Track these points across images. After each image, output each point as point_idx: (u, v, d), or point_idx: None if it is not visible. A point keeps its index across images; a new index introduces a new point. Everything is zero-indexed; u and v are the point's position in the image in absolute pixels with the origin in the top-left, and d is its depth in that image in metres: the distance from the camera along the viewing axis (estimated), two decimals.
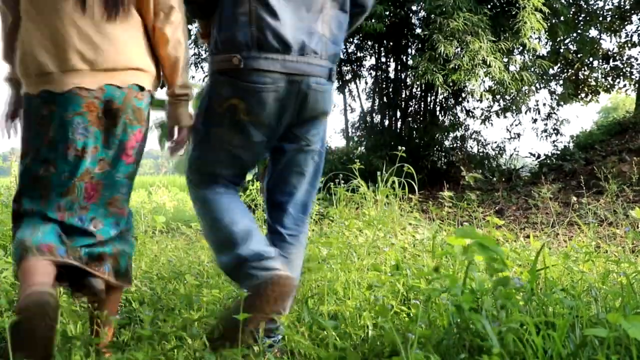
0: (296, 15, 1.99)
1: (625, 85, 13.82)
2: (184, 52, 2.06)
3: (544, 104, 11.22)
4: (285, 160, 2.17)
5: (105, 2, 1.87)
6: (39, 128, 1.91)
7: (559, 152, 9.89)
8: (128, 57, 1.93)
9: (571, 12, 10.96)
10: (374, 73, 11.43)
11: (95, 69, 1.87)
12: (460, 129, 11.07)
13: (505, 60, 8.13)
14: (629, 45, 13.26)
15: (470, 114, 11.11)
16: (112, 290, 2.05)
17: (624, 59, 13.54)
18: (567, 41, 12.07)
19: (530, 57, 9.04)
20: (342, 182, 5.43)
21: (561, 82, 12.41)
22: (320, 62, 2.04)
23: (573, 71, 13.24)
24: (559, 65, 12.56)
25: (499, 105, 10.62)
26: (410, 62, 10.18)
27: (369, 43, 11.19)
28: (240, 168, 2.20)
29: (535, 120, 11.08)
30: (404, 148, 4.98)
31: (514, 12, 7.86)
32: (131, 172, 2.06)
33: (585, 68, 13.49)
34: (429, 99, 10.86)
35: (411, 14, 10.12)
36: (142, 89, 1.97)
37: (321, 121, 2.18)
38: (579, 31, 11.82)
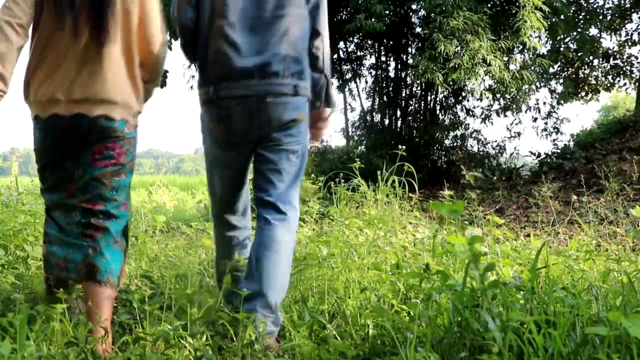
0: (260, 43, 2.35)
1: (625, 84, 13.83)
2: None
3: (544, 103, 11.22)
4: (264, 161, 2.46)
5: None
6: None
7: (559, 151, 9.89)
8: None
9: (571, 11, 10.96)
10: (374, 72, 11.43)
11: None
12: (460, 127, 11.06)
13: (506, 59, 8.12)
14: (629, 43, 13.26)
15: (471, 112, 11.10)
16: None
17: (624, 57, 13.55)
18: (567, 40, 12.07)
19: (531, 55, 9.03)
20: (343, 181, 5.43)
21: (561, 80, 12.41)
22: (282, 81, 2.35)
23: (573, 70, 13.25)
24: (559, 64, 12.56)
25: (499, 104, 10.61)
26: (410, 61, 10.17)
27: (369, 42, 11.19)
28: (229, 185, 2.62)
29: (535, 119, 11.08)
30: (404, 147, 4.97)
31: (514, 11, 7.85)
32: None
33: (586, 67, 13.50)
34: (429, 98, 10.85)
35: (411, 13, 10.12)
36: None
37: (293, 128, 2.44)
38: (579, 30, 11.82)
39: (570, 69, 13.17)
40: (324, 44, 2.54)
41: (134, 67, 2.33)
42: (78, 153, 2.30)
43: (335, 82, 11.77)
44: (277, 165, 2.44)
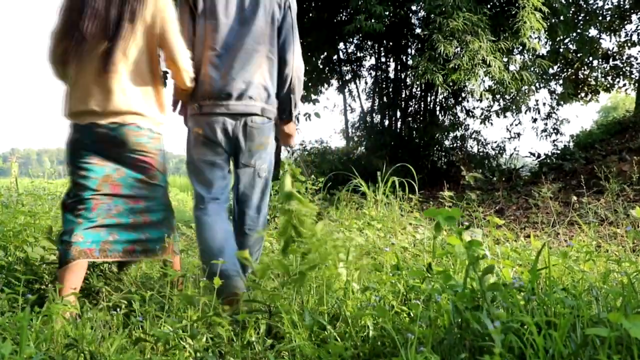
0: (240, 71, 2.92)
1: (625, 85, 13.84)
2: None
3: (544, 104, 11.25)
4: (241, 181, 3.07)
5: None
6: None
7: (559, 152, 9.89)
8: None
9: (571, 12, 10.96)
10: (373, 73, 11.45)
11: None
12: (460, 128, 11.08)
13: (505, 59, 8.13)
14: (629, 44, 13.27)
15: (470, 113, 11.12)
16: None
17: (624, 58, 13.56)
18: (566, 41, 12.08)
19: (530, 56, 9.04)
20: (342, 182, 5.43)
21: (561, 81, 12.42)
22: (255, 104, 2.95)
23: (573, 71, 13.25)
24: (558, 64, 12.57)
25: (499, 104, 10.63)
26: (410, 62, 10.19)
27: (369, 43, 11.20)
28: (209, 177, 3.04)
29: (535, 120, 11.09)
30: (384, 140, 5.00)
31: (513, 12, 7.86)
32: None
33: (585, 67, 13.50)
34: (428, 99, 10.86)
35: (411, 14, 10.13)
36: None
37: (261, 151, 3.05)
38: (578, 31, 11.83)
39: (569, 69, 13.18)
40: (294, 72, 3.10)
41: (155, 86, 2.92)
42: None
43: (335, 83, 11.80)
44: (249, 178, 3.09)
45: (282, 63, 3.09)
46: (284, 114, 3.16)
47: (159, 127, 2.94)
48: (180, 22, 2.96)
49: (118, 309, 2.59)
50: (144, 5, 2.72)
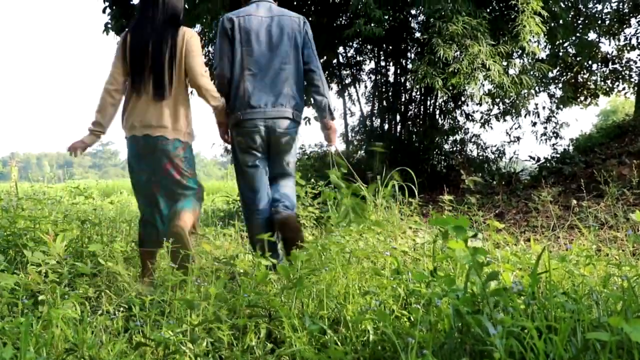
0: (270, 85, 3.75)
1: (624, 89, 13.85)
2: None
3: (544, 108, 11.22)
4: (274, 170, 3.95)
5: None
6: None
7: (558, 156, 9.89)
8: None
9: (570, 16, 10.97)
10: (373, 77, 11.45)
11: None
12: (459, 132, 11.08)
13: (505, 63, 8.13)
14: (628, 48, 13.28)
15: (470, 117, 11.12)
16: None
17: (623, 62, 13.56)
18: (566, 44, 12.08)
19: (530, 60, 9.03)
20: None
21: (560, 85, 12.42)
22: (285, 109, 3.77)
23: (572, 74, 13.26)
24: (558, 68, 12.58)
25: (499, 108, 10.62)
26: (409, 65, 10.18)
27: (369, 47, 11.21)
28: (253, 184, 3.87)
29: (534, 124, 11.07)
30: (381, 143, 5.05)
31: (513, 16, 7.86)
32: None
33: (585, 71, 13.51)
34: (428, 103, 10.86)
35: (410, 18, 10.13)
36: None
37: (290, 142, 3.86)
38: (578, 34, 11.84)
39: (569, 73, 13.19)
40: (320, 76, 3.93)
41: (185, 104, 3.57)
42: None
43: (334, 87, 11.80)
44: (280, 164, 3.93)
45: (311, 73, 3.92)
46: (325, 114, 3.95)
47: (186, 137, 3.59)
48: (220, 49, 3.84)
49: (117, 313, 2.59)
50: (180, 42, 3.49)
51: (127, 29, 3.60)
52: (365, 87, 11.87)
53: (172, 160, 3.49)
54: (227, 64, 3.80)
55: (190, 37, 3.51)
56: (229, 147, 4.20)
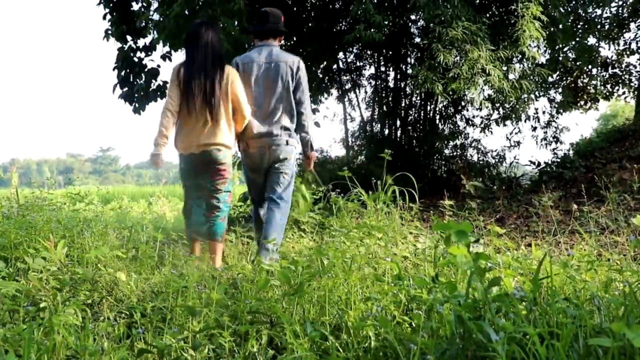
0: (268, 119, 4.70)
1: (624, 93, 13.85)
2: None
3: (544, 112, 11.23)
4: (274, 179, 4.79)
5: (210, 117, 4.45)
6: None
7: (559, 160, 9.89)
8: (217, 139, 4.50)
9: (570, 21, 10.98)
10: (373, 82, 11.46)
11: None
12: (460, 137, 11.07)
13: (505, 68, 8.13)
14: (628, 52, 13.29)
15: (470, 122, 11.12)
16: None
17: (623, 66, 13.57)
18: (566, 49, 12.10)
19: (530, 65, 9.03)
20: (343, 191, 5.44)
21: (560, 90, 12.43)
22: (281, 138, 4.69)
23: (572, 79, 13.27)
24: (558, 73, 12.58)
25: (499, 113, 10.62)
26: (409, 71, 10.20)
27: (368, 52, 11.22)
28: (255, 194, 5.01)
29: (535, 128, 11.08)
30: (390, 151, 5.11)
31: (512, 21, 7.87)
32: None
33: (584, 76, 13.52)
34: (428, 108, 10.87)
35: (410, 23, 10.14)
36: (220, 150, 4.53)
37: (285, 161, 4.76)
38: (577, 39, 11.85)
39: (569, 78, 13.20)
40: (307, 116, 4.80)
41: (230, 127, 4.56)
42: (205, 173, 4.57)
43: (334, 93, 11.83)
44: (275, 180, 4.77)
45: (300, 115, 4.78)
46: (307, 148, 4.88)
47: (231, 152, 4.63)
48: (240, 82, 4.60)
49: (119, 319, 2.59)
50: (225, 79, 4.47)
51: (180, 65, 4.51)
52: (366, 92, 11.89)
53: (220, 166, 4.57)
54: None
55: (235, 74, 4.55)
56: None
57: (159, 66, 11.13)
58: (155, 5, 9.07)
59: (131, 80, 11.04)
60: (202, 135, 4.41)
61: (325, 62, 11.10)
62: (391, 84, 11.09)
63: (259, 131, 4.64)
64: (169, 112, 4.39)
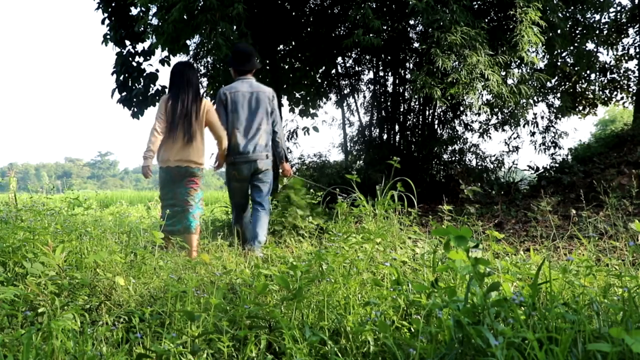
0: (252, 140, 5.62)
1: (622, 98, 13.87)
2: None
3: (542, 117, 11.23)
4: (255, 185, 5.77)
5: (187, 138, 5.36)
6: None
7: (557, 165, 9.90)
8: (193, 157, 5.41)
9: (568, 26, 11.00)
10: (372, 87, 11.48)
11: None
12: (458, 142, 11.08)
13: (503, 73, 8.14)
14: (626, 58, 13.33)
15: (469, 127, 11.13)
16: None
17: (621, 71, 13.60)
18: (564, 54, 12.11)
19: (528, 70, 9.05)
20: (341, 195, 5.44)
21: (559, 95, 12.43)
22: (261, 154, 5.65)
23: (571, 84, 13.29)
24: (556, 78, 12.59)
25: (497, 118, 10.64)
26: (408, 75, 10.22)
27: (367, 57, 11.24)
28: (240, 201, 5.90)
29: (533, 134, 11.09)
30: (398, 158, 5.08)
31: (511, 26, 7.89)
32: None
33: (583, 81, 13.54)
34: (427, 113, 10.88)
35: (409, 28, 10.17)
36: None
37: (265, 172, 5.75)
38: (576, 44, 11.87)
39: (567, 83, 13.22)
40: (280, 136, 5.84)
41: (202, 147, 5.46)
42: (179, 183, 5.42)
43: (333, 97, 11.86)
44: (260, 187, 5.77)
45: (274, 134, 5.82)
46: (282, 159, 5.97)
47: (201, 168, 5.50)
48: (218, 113, 5.62)
49: (117, 324, 2.58)
50: (202, 107, 5.44)
51: (167, 97, 5.43)
52: (364, 97, 11.91)
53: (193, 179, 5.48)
54: (224, 123, 5.64)
55: (211, 106, 5.54)
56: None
57: (157, 71, 11.15)
58: (153, 9, 9.06)
59: (130, 84, 11.05)
60: (179, 152, 5.36)
61: (324, 67, 11.12)
62: (390, 89, 11.12)
63: (246, 148, 5.60)
64: (156, 132, 5.31)
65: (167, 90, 5.66)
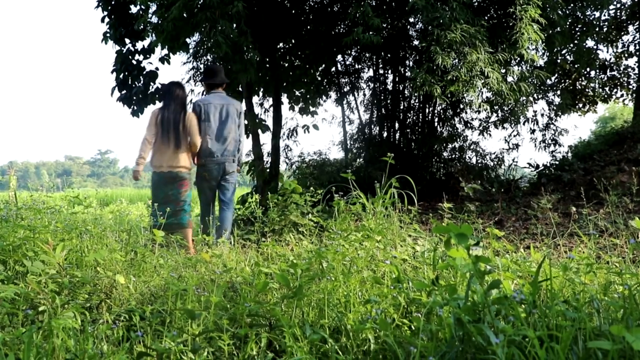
0: (222, 145, 6.35)
1: (622, 95, 13.87)
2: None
3: (542, 115, 11.24)
4: (224, 188, 6.47)
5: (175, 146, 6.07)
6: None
7: (557, 163, 9.91)
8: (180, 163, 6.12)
9: (568, 23, 10.99)
10: (372, 85, 11.48)
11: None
12: (458, 140, 11.09)
13: (503, 71, 8.14)
14: (626, 55, 13.32)
15: (469, 125, 11.14)
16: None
17: (621, 69, 13.60)
18: (564, 52, 12.12)
19: (528, 67, 9.04)
20: (341, 193, 5.44)
21: (559, 92, 12.44)
22: (229, 157, 6.39)
23: (570, 81, 13.29)
24: (556, 75, 12.60)
25: (497, 116, 10.65)
26: (408, 73, 10.22)
27: (367, 55, 11.24)
28: (209, 198, 6.52)
29: (533, 131, 11.10)
30: (392, 154, 5.04)
31: (511, 24, 7.88)
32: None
33: (583, 78, 13.54)
34: (427, 110, 10.88)
35: (409, 26, 10.16)
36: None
37: (232, 174, 6.48)
38: (576, 42, 11.87)
39: (567, 80, 13.22)
40: (242, 145, 6.55)
41: (188, 153, 6.15)
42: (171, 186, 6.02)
43: (333, 95, 11.86)
44: (227, 187, 6.45)
45: (239, 142, 6.48)
46: (239, 165, 6.62)
47: (189, 171, 6.17)
48: (196, 122, 6.22)
49: (118, 322, 2.58)
50: (186, 119, 6.09)
51: (158, 109, 6.16)
52: (364, 94, 11.92)
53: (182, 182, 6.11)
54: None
55: (192, 117, 6.17)
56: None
57: (157, 69, 11.13)
58: (153, 8, 9.06)
59: (129, 82, 11.04)
60: (170, 159, 6.05)
61: (323, 65, 11.11)
62: (390, 87, 11.12)
63: (216, 153, 6.32)
64: (147, 142, 6.03)
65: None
